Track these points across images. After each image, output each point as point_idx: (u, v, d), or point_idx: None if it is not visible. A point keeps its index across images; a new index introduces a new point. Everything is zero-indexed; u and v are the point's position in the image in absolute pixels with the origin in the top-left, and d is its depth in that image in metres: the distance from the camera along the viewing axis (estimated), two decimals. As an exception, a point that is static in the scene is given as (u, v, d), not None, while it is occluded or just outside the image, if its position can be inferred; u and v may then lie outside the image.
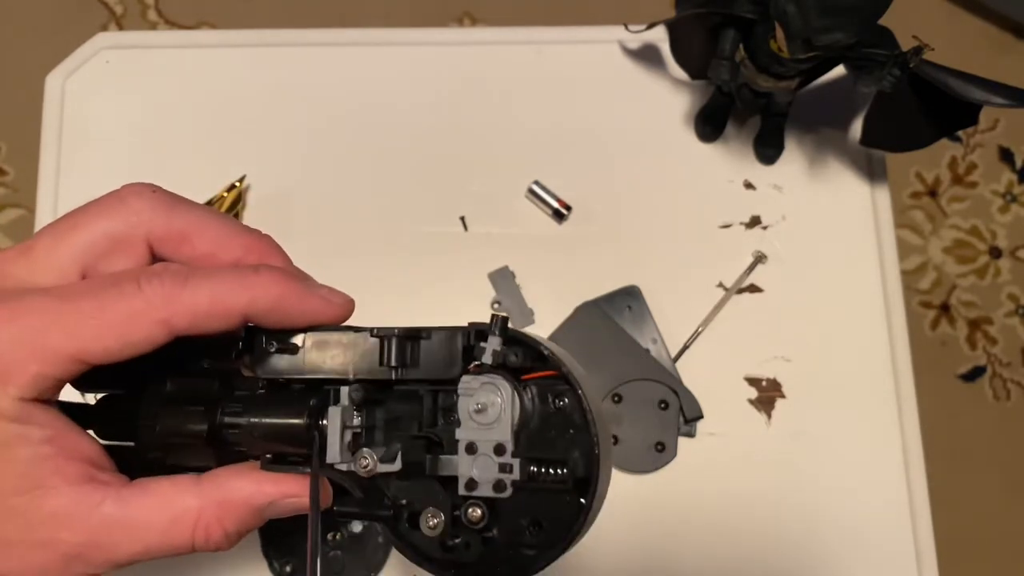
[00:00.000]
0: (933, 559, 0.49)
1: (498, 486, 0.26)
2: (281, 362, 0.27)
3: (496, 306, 0.53)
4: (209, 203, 0.54)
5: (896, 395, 0.52)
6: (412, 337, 0.27)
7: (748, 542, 0.50)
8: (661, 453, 0.50)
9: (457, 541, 0.28)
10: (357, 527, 0.49)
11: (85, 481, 0.25)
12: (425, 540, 0.28)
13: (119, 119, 0.57)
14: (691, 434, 0.51)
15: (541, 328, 0.53)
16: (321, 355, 0.27)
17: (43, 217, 0.54)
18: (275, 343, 0.27)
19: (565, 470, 0.26)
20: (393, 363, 0.26)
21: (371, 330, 0.27)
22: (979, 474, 1.24)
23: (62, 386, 0.26)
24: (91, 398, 0.30)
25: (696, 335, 0.53)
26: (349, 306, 0.28)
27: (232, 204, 0.54)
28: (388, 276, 0.54)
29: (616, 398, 0.51)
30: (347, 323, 0.29)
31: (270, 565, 0.48)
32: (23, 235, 1.27)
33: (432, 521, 0.27)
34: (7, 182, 1.29)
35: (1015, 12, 1.36)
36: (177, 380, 0.28)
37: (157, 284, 0.25)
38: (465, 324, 0.27)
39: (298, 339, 0.27)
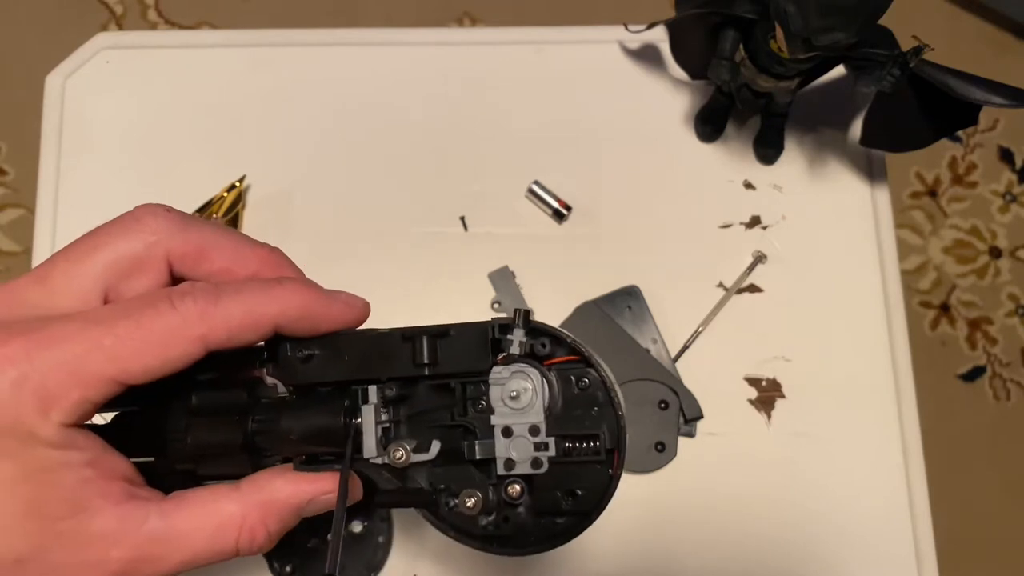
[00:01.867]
0: (933, 559, 0.49)
1: (535, 463, 0.28)
2: (310, 368, 0.29)
3: (496, 306, 0.53)
4: (209, 203, 0.54)
5: (896, 395, 0.52)
6: (440, 335, 0.28)
7: (748, 542, 0.50)
8: (661, 453, 0.50)
9: (494, 517, 0.30)
10: (357, 527, 0.49)
11: (127, 499, 0.26)
12: (464, 519, 0.29)
13: (119, 119, 0.57)
14: (691, 434, 0.51)
15: (541, 328, 0.53)
16: (350, 358, 0.28)
17: (43, 217, 0.54)
18: (302, 350, 0.28)
19: (597, 443, 0.29)
20: (425, 360, 0.28)
21: (400, 332, 0.28)
22: (979, 474, 1.24)
23: (98, 409, 0.26)
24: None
25: (696, 335, 0.53)
26: (367, 309, 0.30)
27: (232, 204, 0.54)
28: (388, 276, 0.54)
29: (616, 398, 0.51)
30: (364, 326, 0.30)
31: (270, 565, 0.48)
32: (23, 235, 1.27)
33: (470, 501, 0.29)
34: (7, 182, 1.29)
35: (1015, 12, 1.36)
36: (201, 394, 0.29)
37: (191, 301, 0.26)
38: (488, 319, 0.29)
39: (321, 344, 0.29)
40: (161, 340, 0.25)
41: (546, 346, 0.29)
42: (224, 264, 0.29)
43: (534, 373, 0.29)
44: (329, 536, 0.50)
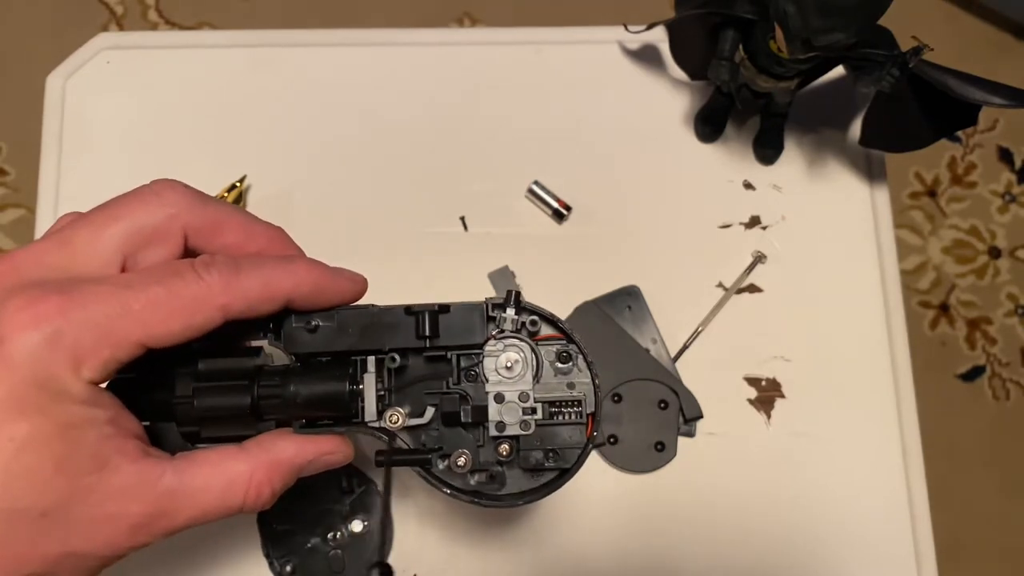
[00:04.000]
0: (933, 559, 0.50)
1: (524, 425, 0.33)
2: (317, 338, 0.32)
3: (496, 306, 0.53)
4: (209, 203, 0.54)
5: (896, 395, 0.52)
6: (441, 311, 0.32)
7: (747, 542, 0.50)
8: (661, 453, 0.50)
9: (483, 474, 0.33)
10: (358, 527, 0.49)
11: (142, 457, 0.27)
12: (456, 476, 0.33)
13: (120, 119, 0.57)
14: (691, 434, 0.51)
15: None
16: (354, 330, 0.32)
17: (43, 217, 0.54)
18: (309, 321, 0.32)
19: (578, 408, 0.33)
20: (428, 333, 0.32)
21: (403, 308, 0.32)
22: (979, 474, 1.24)
23: (119, 370, 0.27)
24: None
25: (696, 335, 0.53)
26: (366, 284, 0.33)
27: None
28: (388, 276, 0.54)
29: (616, 398, 0.51)
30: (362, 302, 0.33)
31: (270, 565, 0.49)
32: (23, 235, 1.27)
33: (461, 460, 0.33)
34: (7, 182, 1.29)
35: (1015, 12, 1.36)
36: (208, 360, 0.31)
37: (215, 272, 0.28)
38: (482, 300, 0.33)
39: (323, 316, 0.32)
40: (187, 307, 0.27)
41: (535, 324, 0.33)
42: (236, 239, 0.31)
43: (524, 347, 0.33)
44: (330, 536, 0.51)
